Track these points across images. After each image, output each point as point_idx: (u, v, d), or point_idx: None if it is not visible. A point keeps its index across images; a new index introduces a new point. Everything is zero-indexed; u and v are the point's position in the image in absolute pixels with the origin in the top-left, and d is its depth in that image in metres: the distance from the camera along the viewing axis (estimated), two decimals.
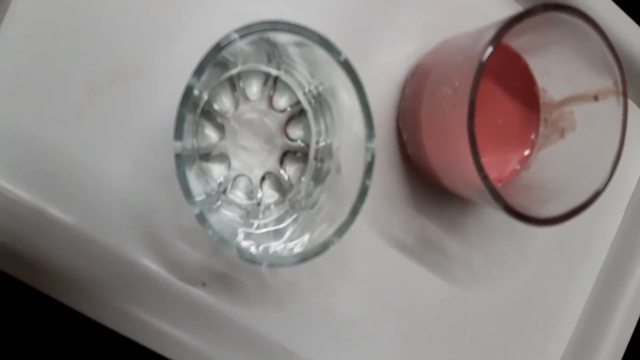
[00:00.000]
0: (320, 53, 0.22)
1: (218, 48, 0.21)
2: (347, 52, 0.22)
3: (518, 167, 0.29)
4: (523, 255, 0.34)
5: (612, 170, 0.25)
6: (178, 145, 0.21)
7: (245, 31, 0.21)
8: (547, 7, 0.23)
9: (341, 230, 0.23)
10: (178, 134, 0.21)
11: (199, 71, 0.21)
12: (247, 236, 0.25)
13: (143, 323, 0.26)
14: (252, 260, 0.22)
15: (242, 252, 0.22)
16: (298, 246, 0.24)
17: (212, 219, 0.22)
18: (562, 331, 0.35)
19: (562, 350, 0.35)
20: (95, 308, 0.26)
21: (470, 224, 0.32)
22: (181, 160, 0.21)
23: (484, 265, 0.33)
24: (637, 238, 0.35)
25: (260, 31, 0.21)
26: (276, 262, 0.23)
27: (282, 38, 0.24)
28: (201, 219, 0.21)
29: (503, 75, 0.28)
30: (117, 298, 0.26)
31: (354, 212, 0.23)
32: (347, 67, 0.22)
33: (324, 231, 0.23)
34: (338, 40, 0.22)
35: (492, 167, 0.27)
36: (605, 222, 0.36)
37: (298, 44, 0.24)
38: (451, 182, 0.27)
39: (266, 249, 0.24)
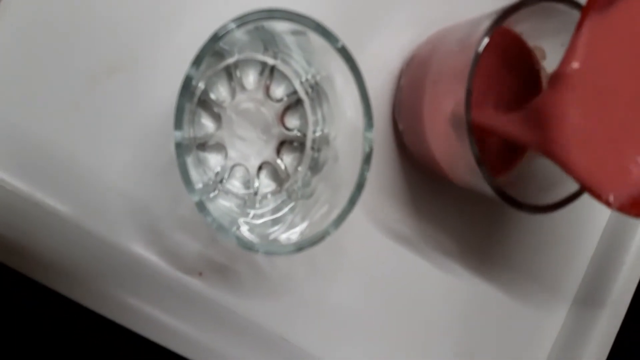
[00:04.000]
0: (318, 41, 0.23)
1: (216, 38, 0.22)
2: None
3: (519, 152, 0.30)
4: (519, 245, 0.35)
5: None
6: (178, 134, 0.22)
7: (242, 20, 0.22)
8: None
9: (338, 221, 0.23)
10: (178, 123, 0.22)
11: (197, 62, 0.22)
12: (244, 225, 0.25)
13: (139, 312, 0.27)
14: (249, 247, 0.23)
15: (240, 240, 0.23)
16: (294, 235, 0.25)
17: (210, 207, 0.23)
18: (555, 318, 0.36)
19: (553, 337, 0.36)
20: (92, 298, 0.27)
21: (467, 213, 0.33)
22: (181, 150, 0.22)
23: (480, 255, 0.34)
24: (626, 228, 0.36)
25: (257, 20, 0.22)
26: (273, 250, 0.23)
27: (279, 27, 0.24)
28: (201, 207, 0.22)
29: (505, 60, 0.29)
30: (114, 288, 0.27)
31: (352, 202, 0.23)
32: (345, 54, 0.23)
33: (321, 221, 0.24)
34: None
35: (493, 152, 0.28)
36: (596, 212, 0.37)
37: (295, 33, 0.25)
38: (451, 170, 0.28)
39: (263, 237, 0.25)
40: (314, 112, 0.28)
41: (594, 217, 0.36)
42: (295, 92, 0.28)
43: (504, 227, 0.34)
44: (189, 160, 0.24)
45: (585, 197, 0.25)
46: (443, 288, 0.33)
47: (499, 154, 0.29)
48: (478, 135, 0.24)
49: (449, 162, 0.27)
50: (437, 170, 0.29)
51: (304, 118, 0.28)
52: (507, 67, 0.29)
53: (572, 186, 0.26)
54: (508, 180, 0.29)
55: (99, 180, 0.28)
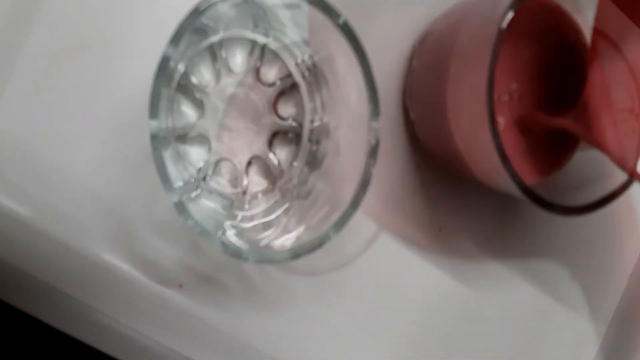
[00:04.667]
0: (316, 16, 0.22)
1: (197, 12, 0.21)
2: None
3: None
4: (550, 251, 0.34)
5: None
6: (154, 124, 0.21)
7: None
8: None
9: (340, 223, 0.23)
10: (153, 112, 0.21)
11: (175, 39, 0.21)
12: (232, 229, 0.25)
13: (112, 330, 0.26)
14: (237, 255, 0.22)
15: (226, 246, 0.22)
16: (289, 241, 0.24)
17: (192, 209, 0.23)
18: (591, 336, 0.35)
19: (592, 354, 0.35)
20: (56, 314, 0.26)
21: (489, 215, 0.33)
22: (158, 142, 0.21)
23: (505, 263, 0.33)
24: None
25: None
26: (264, 258, 0.23)
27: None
28: (180, 208, 0.22)
29: (542, 35, 0.28)
30: (80, 302, 0.26)
31: (355, 202, 0.23)
32: (347, 32, 0.22)
33: (320, 224, 0.23)
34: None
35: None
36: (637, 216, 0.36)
37: (289, 6, 0.24)
38: (477, 166, 0.27)
39: (253, 243, 0.24)
40: (312, 99, 0.27)
41: (635, 219, 0.36)
42: (289, 75, 0.27)
43: (533, 231, 0.34)
44: (167, 155, 0.24)
45: (625, 197, 0.25)
46: (462, 300, 0.32)
47: (546, 153, 0.28)
48: (524, 131, 0.25)
49: (474, 157, 0.26)
50: (455, 165, 0.28)
51: (299, 105, 0.27)
52: (544, 43, 0.28)
53: (612, 183, 0.25)
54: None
55: (63, 177, 0.27)
